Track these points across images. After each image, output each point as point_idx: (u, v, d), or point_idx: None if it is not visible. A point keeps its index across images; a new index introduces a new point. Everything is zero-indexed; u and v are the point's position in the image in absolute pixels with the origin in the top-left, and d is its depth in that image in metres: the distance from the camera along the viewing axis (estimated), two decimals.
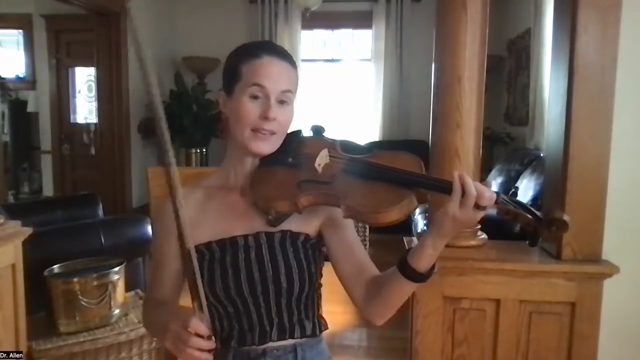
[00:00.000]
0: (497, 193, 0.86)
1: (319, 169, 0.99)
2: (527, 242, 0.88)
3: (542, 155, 3.39)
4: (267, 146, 1.02)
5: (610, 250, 1.40)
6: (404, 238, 1.54)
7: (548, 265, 1.38)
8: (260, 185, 1.01)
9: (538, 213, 0.86)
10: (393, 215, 0.90)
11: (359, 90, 5.80)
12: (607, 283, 1.37)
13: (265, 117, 0.98)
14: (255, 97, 0.99)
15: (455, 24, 1.39)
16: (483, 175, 3.97)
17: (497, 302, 1.39)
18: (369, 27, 5.61)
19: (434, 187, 0.91)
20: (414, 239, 1.52)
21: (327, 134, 1.10)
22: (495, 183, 3.78)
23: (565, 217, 0.85)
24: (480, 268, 1.38)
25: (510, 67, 5.04)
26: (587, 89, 1.36)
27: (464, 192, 0.85)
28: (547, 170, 1.58)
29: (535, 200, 2.78)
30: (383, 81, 5.52)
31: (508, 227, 1.49)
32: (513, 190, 0.91)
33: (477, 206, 0.84)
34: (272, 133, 1.01)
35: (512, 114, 4.96)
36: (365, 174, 0.96)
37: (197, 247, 1.01)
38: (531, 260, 1.42)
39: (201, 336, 0.85)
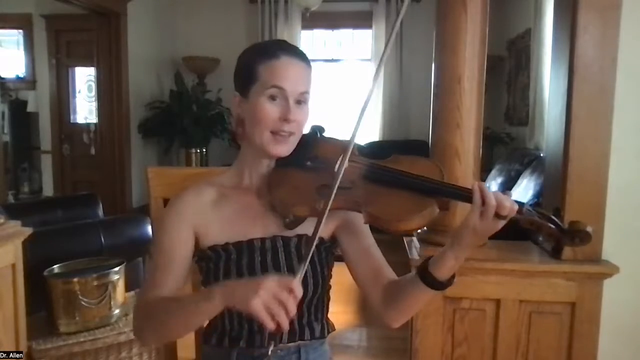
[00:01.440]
0: (521, 203, 0.86)
1: None
2: (550, 252, 0.87)
3: (542, 155, 3.39)
4: (286, 148, 1.01)
5: (610, 250, 1.40)
6: (404, 238, 1.54)
7: (548, 265, 1.38)
8: (279, 188, 1.00)
9: (562, 224, 0.86)
10: (414, 224, 0.90)
11: (359, 90, 5.80)
12: (607, 283, 1.37)
13: (285, 119, 0.98)
14: (273, 98, 0.98)
15: (455, 24, 1.39)
16: (483, 175, 3.98)
17: (497, 302, 1.39)
18: (369, 27, 5.61)
19: (456, 196, 0.90)
20: (414, 239, 1.52)
21: (327, 134, 1.10)
22: (495, 183, 3.78)
23: (589, 229, 0.84)
24: (480, 268, 1.38)
25: (510, 67, 5.04)
26: (587, 89, 1.36)
27: (483, 203, 0.84)
28: (547, 170, 1.58)
29: (535, 199, 2.78)
30: (383, 81, 5.52)
31: (508, 227, 1.48)
32: (534, 199, 0.91)
33: (498, 216, 0.84)
34: (291, 134, 1.00)
35: (512, 114, 4.96)
36: (386, 181, 0.95)
37: (213, 248, 1.01)
38: (531, 260, 1.42)
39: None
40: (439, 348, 1.42)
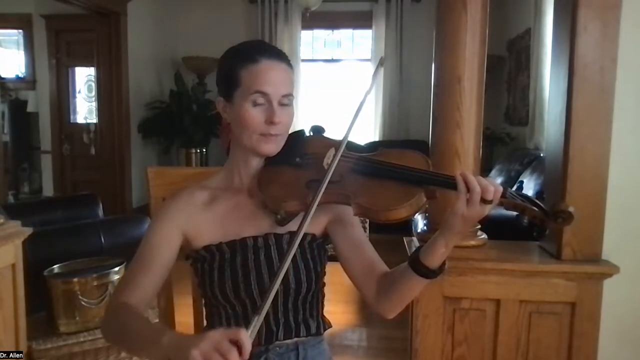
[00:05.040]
0: (505, 188, 0.88)
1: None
2: (534, 234, 0.90)
3: (542, 155, 3.39)
4: (275, 147, 1.03)
5: (610, 250, 1.40)
6: (404, 238, 1.54)
7: (548, 265, 1.38)
8: (269, 186, 1.02)
9: (544, 206, 0.88)
10: (403, 213, 0.91)
11: (359, 90, 5.80)
12: (607, 283, 1.37)
13: (270, 122, 0.99)
14: (257, 103, 1.00)
15: (455, 24, 1.38)
16: (483, 175, 3.96)
17: (497, 302, 1.39)
18: (369, 27, 5.62)
19: (442, 184, 0.92)
20: (414, 239, 1.52)
21: (328, 134, 1.10)
22: None
23: (571, 209, 0.86)
24: (480, 268, 1.38)
25: (510, 67, 5.04)
26: (587, 89, 1.36)
27: (468, 190, 0.86)
28: (547, 170, 1.58)
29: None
30: (383, 81, 5.52)
31: (508, 227, 1.48)
32: (519, 184, 0.93)
33: (484, 201, 0.86)
34: (278, 135, 1.02)
35: (512, 114, 4.96)
36: (373, 172, 0.97)
37: (208, 248, 1.02)
38: (531, 260, 1.42)
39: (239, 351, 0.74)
40: (439, 348, 1.42)
